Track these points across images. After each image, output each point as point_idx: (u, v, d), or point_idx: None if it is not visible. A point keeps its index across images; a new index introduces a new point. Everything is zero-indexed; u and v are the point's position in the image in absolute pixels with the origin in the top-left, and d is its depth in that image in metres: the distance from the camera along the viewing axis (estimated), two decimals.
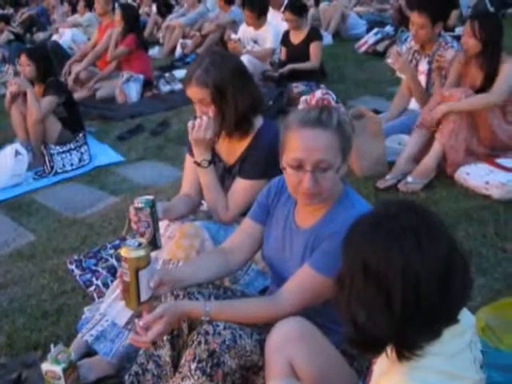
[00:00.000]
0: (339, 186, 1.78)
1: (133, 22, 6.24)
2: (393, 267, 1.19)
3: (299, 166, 1.66)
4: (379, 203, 1.42)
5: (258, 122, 2.29)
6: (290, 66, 5.52)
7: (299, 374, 1.59)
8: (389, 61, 3.78)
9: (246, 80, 2.26)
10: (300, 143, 1.66)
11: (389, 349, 1.28)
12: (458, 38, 4.39)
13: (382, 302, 1.20)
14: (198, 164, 2.29)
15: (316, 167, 1.64)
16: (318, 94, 1.72)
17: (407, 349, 1.23)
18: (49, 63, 4.65)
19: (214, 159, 2.35)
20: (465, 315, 1.33)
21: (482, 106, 3.40)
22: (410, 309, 1.19)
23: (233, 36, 6.12)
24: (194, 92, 2.21)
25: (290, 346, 1.58)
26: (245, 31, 6.17)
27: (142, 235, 1.97)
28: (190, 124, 2.23)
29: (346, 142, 1.69)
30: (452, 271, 1.22)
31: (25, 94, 4.55)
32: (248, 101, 2.21)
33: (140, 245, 1.71)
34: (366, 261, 1.22)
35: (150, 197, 2.03)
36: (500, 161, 3.40)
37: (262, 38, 5.97)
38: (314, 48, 5.54)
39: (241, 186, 2.27)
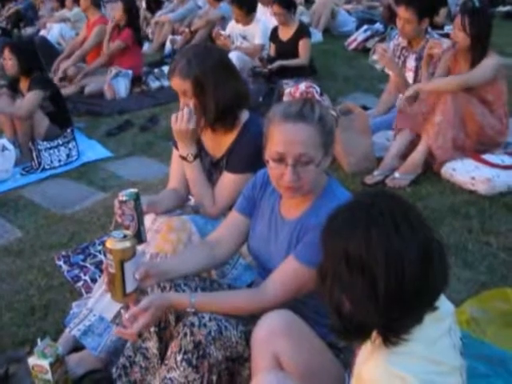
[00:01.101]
0: (323, 179, 1.79)
1: (134, 16, 6.29)
2: (374, 252, 1.21)
3: (281, 160, 1.67)
4: (355, 194, 1.44)
5: (244, 116, 2.30)
6: (279, 63, 5.53)
7: (285, 367, 1.60)
8: (374, 57, 3.80)
9: (229, 74, 2.26)
10: (281, 137, 1.67)
11: (373, 335, 1.29)
12: (446, 35, 4.42)
13: (366, 288, 1.22)
14: (184, 158, 2.30)
15: (297, 161, 1.66)
16: (302, 86, 1.73)
17: (393, 334, 1.25)
18: (32, 57, 4.58)
19: (201, 153, 2.36)
20: (444, 303, 1.35)
21: (446, 88, 3.46)
22: (394, 293, 1.21)
23: (222, 32, 6.11)
24: (177, 84, 2.22)
25: (277, 338, 1.59)
26: (233, 27, 6.17)
27: (127, 228, 1.97)
28: (173, 117, 2.24)
29: (328, 136, 1.70)
30: (431, 254, 1.24)
31: (11, 89, 4.54)
32: (230, 95, 2.22)
33: (125, 236, 1.72)
34: (348, 249, 1.23)
35: (134, 190, 2.03)
36: (486, 157, 3.44)
37: (250, 34, 5.98)
38: (302, 45, 5.55)
39: (227, 180, 2.27)
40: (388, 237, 1.21)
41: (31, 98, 4.40)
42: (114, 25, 6.29)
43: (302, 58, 5.56)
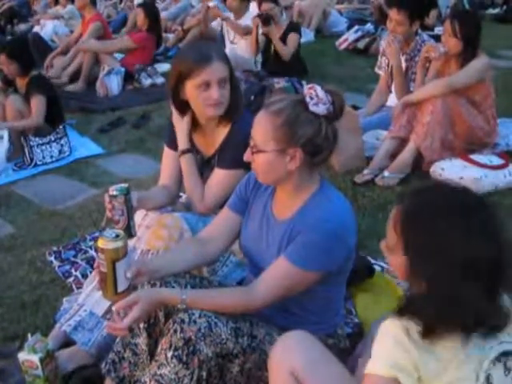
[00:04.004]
0: (315, 180, 1.81)
1: (155, 21, 6.42)
2: (490, 257, 1.25)
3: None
4: (442, 187, 1.45)
5: None
6: (268, 31, 5.54)
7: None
8: (382, 44, 3.92)
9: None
10: None
11: None
12: (436, 37, 4.46)
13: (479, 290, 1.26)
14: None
15: (252, 144, 1.76)
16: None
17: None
18: (29, 56, 4.61)
19: (192, 152, 2.38)
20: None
21: (432, 93, 3.50)
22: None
23: (211, 4, 6.10)
24: (219, 69, 2.18)
25: (292, 355, 1.57)
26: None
27: (117, 223, 1.98)
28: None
29: (283, 133, 1.70)
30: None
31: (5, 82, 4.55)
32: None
33: (117, 236, 1.72)
34: (467, 256, 1.26)
35: (125, 185, 2.04)
36: (474, 157, 3.47)
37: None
38: (290, 38, 5.59)
39: (218, 176, 2.28)
40: (496, 243, 1.27)
41: (38, 104, 4.42)
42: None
43: (288, 48, 5.58)
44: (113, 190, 2.00)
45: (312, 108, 1.70)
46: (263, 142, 1.73)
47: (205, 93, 2.18)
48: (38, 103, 4.42)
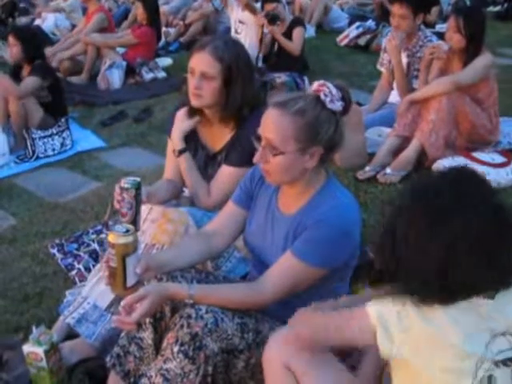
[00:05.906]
0: (322, 176, 1.81)
1: (154, 15, 6.43)
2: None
3: (259, 142, 1.74)
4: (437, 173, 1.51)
5: (245, 111, 2.31)
6: (273, 30, 5.52)
7: (298, 377, 1.57)
8: (384, 40, 3.93)
9: (252, 74, 2.30)
10: (262, 121, 1.74)
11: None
12: (438, 34, 4.45)
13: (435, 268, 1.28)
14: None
15: (267, 145, 1.71)
16: (314, 86, 1.75)
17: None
18: (35, 44, 4.62)
19: (197, 146, 2.38)
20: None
21: (437, 91, 3.48)
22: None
23: None
24: (203, 61, 2.19)
25: (287, 349, 1.57)
26: (233, 11, 6.20)
27: (123, 216, 1.97)
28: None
29: (306, 133, 1.69)
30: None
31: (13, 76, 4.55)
32: (252, 91, 2.26)
33: (128, 231, 1.72)
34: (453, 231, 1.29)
35: (137, 179, 2.02)
36: (476, 154, 3.47)
37: (248, 18, 5.98)
38: (296, 33, 5.57)
39: (226, 173, 2.29)
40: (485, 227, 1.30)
41: (28, 81, 4.42)
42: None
43: (295, 44, 5.57)
44: (125, 183, 1.98)
45: (329, 105, 1.70)
46: (283, 143, 1.69)
47: (190, 80, 2.22)
48: (28, 79, 4.43)
